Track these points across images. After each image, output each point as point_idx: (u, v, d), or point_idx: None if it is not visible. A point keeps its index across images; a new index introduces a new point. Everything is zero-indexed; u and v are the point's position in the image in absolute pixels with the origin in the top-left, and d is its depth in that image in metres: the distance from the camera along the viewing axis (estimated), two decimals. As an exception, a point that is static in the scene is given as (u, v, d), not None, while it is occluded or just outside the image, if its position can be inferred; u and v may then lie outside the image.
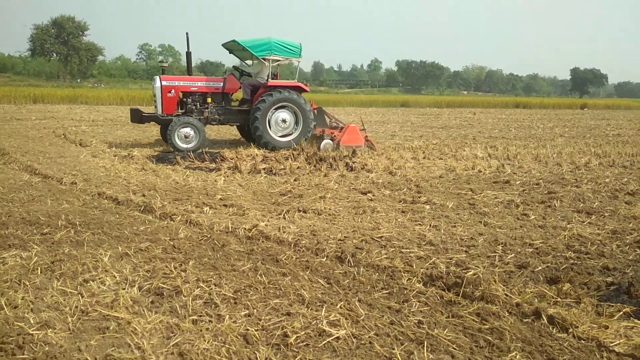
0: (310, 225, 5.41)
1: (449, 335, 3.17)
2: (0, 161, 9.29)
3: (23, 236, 4.83)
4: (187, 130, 11.16)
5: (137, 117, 11.60)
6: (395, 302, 3.64)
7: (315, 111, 12.55)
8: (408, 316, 3.42)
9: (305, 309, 3.48)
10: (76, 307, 3.37)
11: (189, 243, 4.80)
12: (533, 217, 6.00)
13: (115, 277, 3.88)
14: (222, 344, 2.98)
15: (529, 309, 3.53)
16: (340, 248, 4.63)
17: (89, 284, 3.74)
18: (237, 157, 9.64)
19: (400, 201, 6.71)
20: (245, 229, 5.19)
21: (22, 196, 6.42)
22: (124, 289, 3.68)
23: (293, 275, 4.09)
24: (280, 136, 11.79)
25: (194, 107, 11.79)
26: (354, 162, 9.45)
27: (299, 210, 6.08)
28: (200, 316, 3.34)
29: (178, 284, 3.78)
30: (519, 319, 3.43)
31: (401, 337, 3.15)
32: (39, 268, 4.02)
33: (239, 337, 3.08)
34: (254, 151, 10.71)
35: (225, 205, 6.26)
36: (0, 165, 8.81)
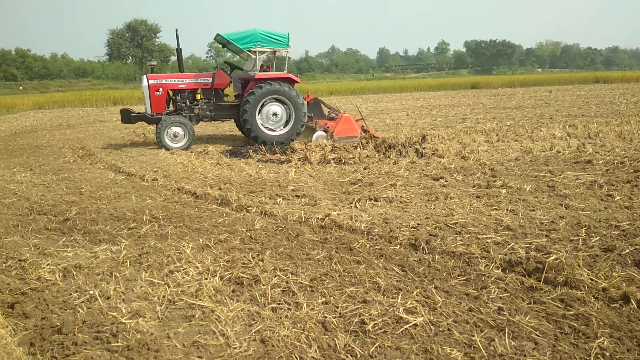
0: (382, 214, 5.40)
1: (531, 322, 3.09)
2: (87, 161, 9.91)
3: (112, 231, 5.16)
4: (176, 130, 11.04)
5: (127, 117, 11.47)
6: (473, 289, 3.58)
7: (311, 102, 12.09)
8: (487, 303, 3.36)
9: (382, 297, 3.50)
10: (163, 296, 3.56)
11: (265, 233, 4.94)
12: (618, 197, 5.68)
13: (198, 268, 4.07)
14: (302, 331, 3.06)
15: (616, 293, 3.37)
16: (413, 235, 4.60)
17: (174, 275, 3.94)
18: (306, 148, 9.76)
19: (475, 186, 6.56)
20: (318, 218, 5.26)
21: (108, 193, 6.83)
22: (206, 278, 3.85)
23: (367, 263, 4.11)
24: (272, 130, 11.49)
25: (183, 105, 11.61)
26: (424, 148, 9.31)
27: (370, 199, 6.09)
28: (279, 304, 3.44)
29: (257, 273, 3.91)
30: (606, 304, 3.29)
31: (481, 324, 3.10)
32: (127, 261, 4.28)
33: (318, 324, 3.15)
34: (323, 142, 10.78)
35: (297, 196, 6.38)
36: (88, 165, 9.41)
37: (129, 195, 6.69)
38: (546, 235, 4.51)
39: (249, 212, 5.72)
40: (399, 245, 4.46)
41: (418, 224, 4.96)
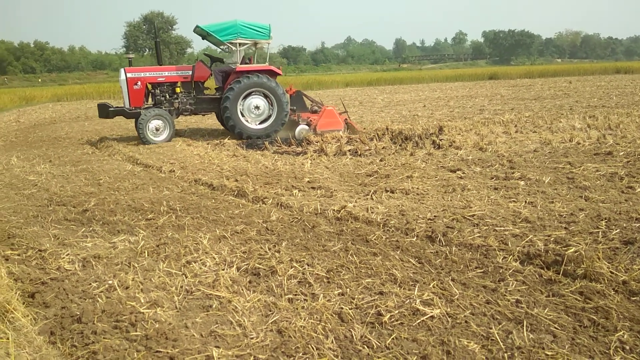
0: (399, 205, 5.38)
1: (550, 315, 3.06)
2: (105, 153, 10.01)
3: (130, 222, 5.21)
4: (157, 123, 10.84)
5: (105, 112, 11.13)
6: (491, 281, 3.56)
7: (294, 95, 11.83)
8: (505, 295, 3.33)
9: (398, 288, 3.48)
10: (181, 286, 3.59)
11: (281, 225, 4.95)
12: (639, 189, 5.59)
13: (215, 259, 4.09)
14: (318, 322, 3.06)
15: (636, 286, 3.33)
16: (430, 227, 4.57)
17: (191, 265, 3.97)
18: (322, 140, 9.74)
19: (492, 178, 6.49)
20: (334, 210, 5.25)
21: (126, 185, 6.90)
22: (223, 269, 3.87)
23: (384, 255, 4.10)
24: (254, 124, 11.29)
25: (163, 98, 11.31)
26: (441, 140, 9.23)
27: (387, 191, 6.06)
28: (296, 295, 3.45)
29: (273, 264, 3.92)
30: (626, 297, 3.24)
31: (498, 317, 3.08)
32: (145, 251, 4.32)
33: (334, 315, 3.15)
34: (339, 134, 10.74)
35: (313, 188, 6.37)
36: (106, 157, 9.51)
37: (146, 187, 6.75)
38: (565, 228, 4.46)
39: (265, 204, 5.74)
40: (415, 237, 4.44)
41: (435, 216, 4.93)
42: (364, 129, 11.30)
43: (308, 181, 6.73)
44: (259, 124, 11.38)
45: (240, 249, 4.31)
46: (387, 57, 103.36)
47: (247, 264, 3.98)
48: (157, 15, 74.85)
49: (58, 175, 7.78)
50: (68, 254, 4.26)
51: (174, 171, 7.72)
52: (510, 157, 7.67)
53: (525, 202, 5.29)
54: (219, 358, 2.71)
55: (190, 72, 11.44)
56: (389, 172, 7.04)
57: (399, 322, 3.05)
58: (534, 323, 2.99)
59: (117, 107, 11.34)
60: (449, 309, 3.18)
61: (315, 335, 2.93)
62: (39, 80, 58.72)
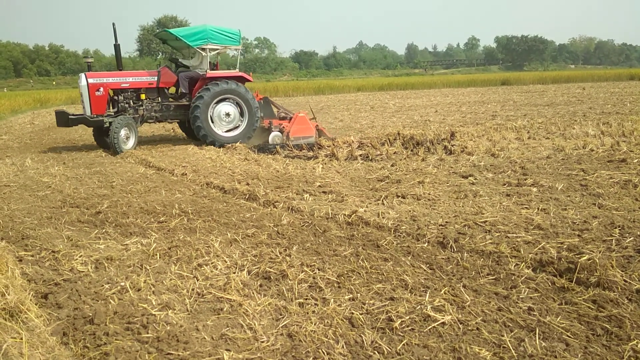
0: (410, 211, 5.36)
1: (563, 323, 3.03)
2: (118, 156, 10.09)
3: (142, 224, 5.25)
4: (126, 131, 10.41)
5: (64, 120, 10.38)
6: (503, 288, 3.53)
7: (262, 101, 11.72)
8: (517, 302, 3.31)
9: (409, 294, 3.47)
10: (192, 289, 3.61)
11: (292, 229, 4.96)
12: (655, 197, 5.52)
13: (226, 262, 4.11)
14: (329, 327, 3.06)
15: (651, 295, 3.28)
16: (441, 233, 4.55)
17: (202, 268, 3.99)
18: (333, 144, 9.74)
19: (505, 184, 6.46)
20: (344, 215, 5.25)
21: (139, 187, 6.95)
22: (234, 272, 3.89)
23: (394, 260, 4.09)
24: (225, 131, 11.11)
25: (127, 105, 10.90)
26: (453, 145, 9.20)
27: (398, 196, 6.05)
28: (306, 299, 3.45)
29: (284, 268, 3.92)
30: (641, 307, 3.20)
31: (510, 324, 3.06)
32: (157, 254, 4.35)
33: (345, 320, 3.15)
34: (350, 138, 10.73)
35: (324, 192, 6.38)
36: (119, 160, 9.58)
37: (158, 190, 6.79)
38: (578, 235, 4.42)
39: (276, 208, 5.75)
40: (426, 243, 4.43)
41: (446, 222, 4.91)
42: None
43: (319, 185, 6.74)
44: (230, 131, 11.22)
45: (251, 253, 4.33)
46: (399, 62, 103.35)
47: (258, 268, 3.99)
48: (171, 19, 75.53)
49: (72, 178, 7.85)
50: (81, 256, 4.30)
51: (186, 174, 7.76)
52: (523, 163, 7.62)
53: (538, 208, 5.26)
54: (229, 361, 2.72)
55: (156, 78, 11.13)
56: (400, 178, 7.03)
57: (409, 328, 3.04)
58: (546, 331, 2.96)
59: (78, 114, 10.66)
60: (460, 316, 3.16)
61: (326, 340, 2.92)
62: (54, 82, 59.46)
